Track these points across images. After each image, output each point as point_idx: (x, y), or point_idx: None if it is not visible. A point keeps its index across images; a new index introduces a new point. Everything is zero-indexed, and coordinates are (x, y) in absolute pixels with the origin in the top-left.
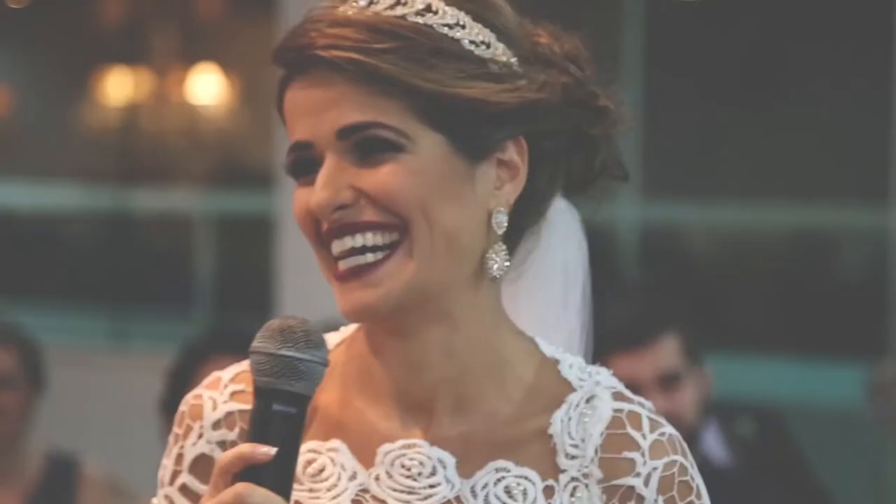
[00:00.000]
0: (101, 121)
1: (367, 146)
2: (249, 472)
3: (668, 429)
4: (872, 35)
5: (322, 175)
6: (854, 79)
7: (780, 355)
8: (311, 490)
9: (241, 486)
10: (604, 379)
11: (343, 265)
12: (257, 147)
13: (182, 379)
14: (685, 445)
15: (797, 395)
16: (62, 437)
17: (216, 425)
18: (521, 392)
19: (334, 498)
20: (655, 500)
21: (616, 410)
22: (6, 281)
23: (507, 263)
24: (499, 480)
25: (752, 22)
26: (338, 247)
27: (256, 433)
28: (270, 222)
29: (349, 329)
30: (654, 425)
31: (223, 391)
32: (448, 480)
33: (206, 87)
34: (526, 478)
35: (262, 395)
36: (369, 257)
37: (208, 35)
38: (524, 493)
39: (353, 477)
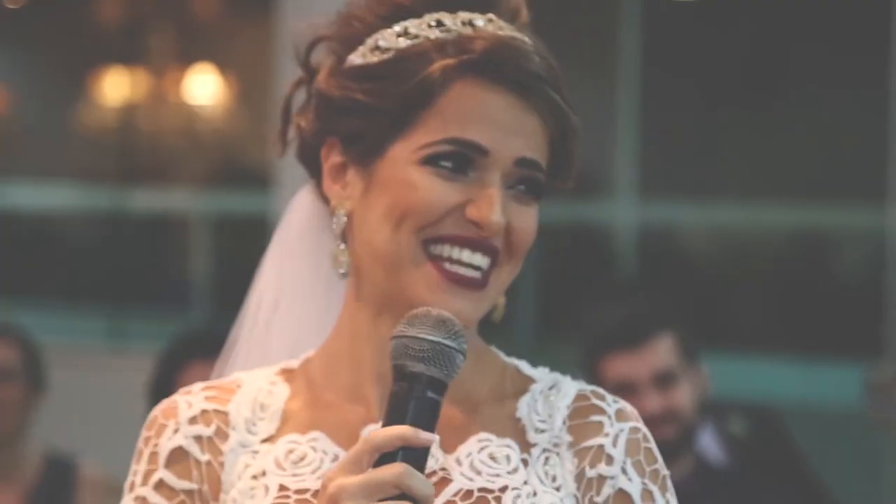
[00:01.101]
0: (99, 121)
1: (526, 183)
2: (388, 454)
3: (630, 406)
4: (870, 36)
5: (499, 200)
6: (852, 79)
7: (779, 355)
8: (294, 475)
9: (402, 467)
10: (563, 376)
11: (463, 270)
12: (255, 147)
13: (165, 391)
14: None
15: (795, 394)
16: (60, 437)
17: (192, 421)
18: (487, 387)
19: (319, 478)
20: (624, 462)
21: (580, 389)
22: (4, 280)
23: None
24: (482, 448)
25: (750, 22)
26: (465, 256)
27: (404, 417)
28: (268, 222)
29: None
30: (616, 399)
31: (197, 395)
32: (432, 454)
33: (204, 87)
34: (508, 446)
35: (414, 379)
36: (478, 274)
37: (206, 35)
38: (507, 458)
39: (335, 459)
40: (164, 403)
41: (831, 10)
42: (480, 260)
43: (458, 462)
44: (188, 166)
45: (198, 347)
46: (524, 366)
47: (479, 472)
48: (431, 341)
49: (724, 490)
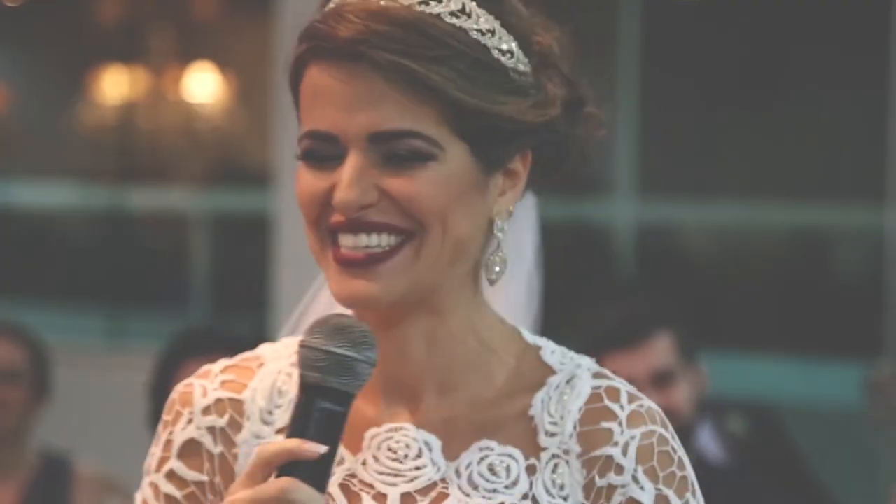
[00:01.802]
0: (98, 120)
1: (399, 153)
2: (288, 466)
3: (648, 402)
4: (870, 35)
5: (349, 173)
6: (851, 78)
7: (778, 354)
8: None
9: (286, 482)
10: (585, 363)
11: (349, 251)
12: (254, 146)
13: (164, 392)
14: (666, 420)
15: (794, 394)
16: (59, 435)
17: (206, 411)
18: (503, 376)
19: None
20: (635, 470)
21: (594, 387)
22: (3, 279)
23: (506, 267)
24: (482, 459)
25: (749, 21)
26: (350, 241)
27: (302, 429)
28: (267, 221)
29: None
30: (632, 398)
31: (213, 380)
32: (434, 463)
33: (203, 85)
34: (509, 455)
35: (312, 391)
36: (378, 249)
37: (205, 34)
38: (507, 469)
39: (340, 462)
40: (182, 387)
41: (831, 10)
42: (368, 240)
43: (458, 473)
44: (187, 165)
45: (196, 346)
46: (546, 350)
47: (476, 487)
48: (326, 351)
49: (722, 488)
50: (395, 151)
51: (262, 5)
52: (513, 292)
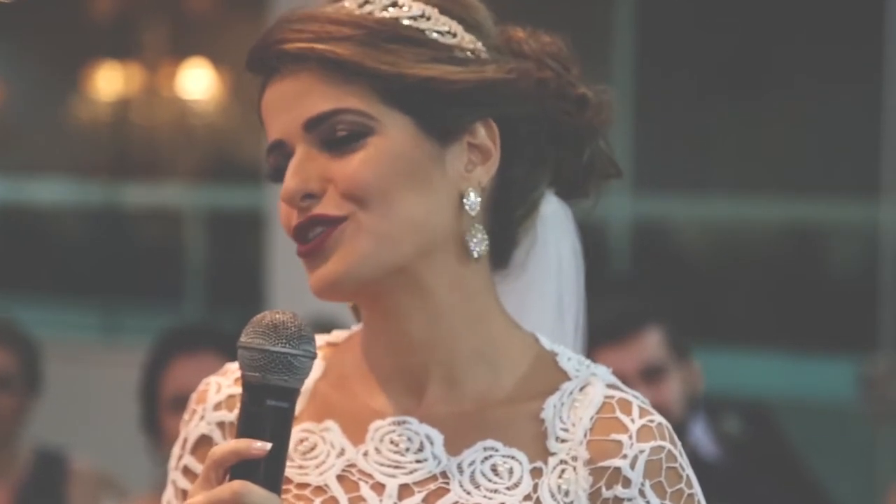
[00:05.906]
0: (92, 115)
1: (335, 135)
2: (241, 466)
3: (659, 418)
4: (863, 29)
5: (292, 164)
6: (844, 73)
7: (771, 350)
8: (300, 466)
9: (238, 485)
10: (601, 372)
11: (303, 247)
12: (248, 142)
13: (152, 389)
14: (675, 437)
15: (788, 389)
16: (53, 432)
17: (217, 406)
18: (514, 377)
19: (322, 474)
20: (642, 484)
21: (607, 397)
22: None
23: (486, 243)
24: (486, 458)
25: (742, 15)
26: (305, 238)
27: (249, 428)
28: (261, 217)
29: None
30: (643, 413)
31: (229, 376)
32: (435, 456)
33: (197, 81)
34: (513, 457)
35: (254, 390)
36: (321, 234)
37: (199, 30)
38: (510, 471)
39: (341, 453)
40: (202, 385)
41: (825, 4)
42: (315, 231)
43: (460, 469)
44: (181, 160)
45: (184, 343)
46: (563, 357)
47: (477, 486)
48: (261, 350)
49: (716, 484)
50: (330, 134)
51: (256, 1)
52: (536, 308)
